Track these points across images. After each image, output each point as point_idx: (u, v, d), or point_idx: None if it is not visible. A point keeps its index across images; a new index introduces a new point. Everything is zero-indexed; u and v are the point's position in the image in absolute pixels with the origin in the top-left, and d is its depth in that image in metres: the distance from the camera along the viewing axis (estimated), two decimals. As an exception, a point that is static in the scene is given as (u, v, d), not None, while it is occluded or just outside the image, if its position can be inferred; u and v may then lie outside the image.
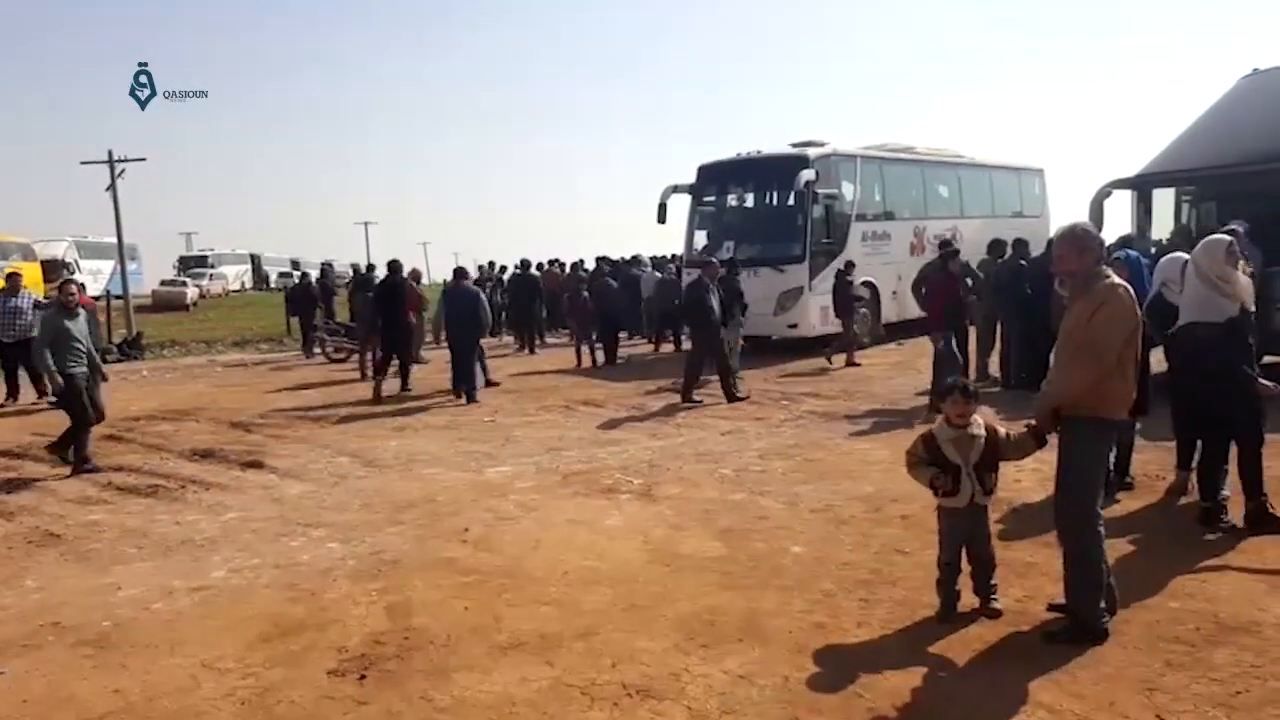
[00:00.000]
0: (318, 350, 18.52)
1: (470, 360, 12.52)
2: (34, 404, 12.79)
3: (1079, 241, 4.15)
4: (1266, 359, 9.28)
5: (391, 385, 13.17)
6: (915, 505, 6.23)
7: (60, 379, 8.38)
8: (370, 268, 20.05)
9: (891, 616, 4.54)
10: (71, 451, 8.59)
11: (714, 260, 12.41)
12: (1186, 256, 6.35)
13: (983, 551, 4.52)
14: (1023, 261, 11.33)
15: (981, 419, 4.47)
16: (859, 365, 14.20)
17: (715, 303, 11.52)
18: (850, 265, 15.10)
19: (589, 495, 7.13)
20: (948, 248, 11.75)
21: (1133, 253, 7.33)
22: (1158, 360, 6.86)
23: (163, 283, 40.12)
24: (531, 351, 18.66)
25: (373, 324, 15.12)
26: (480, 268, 22.72)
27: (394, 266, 14.06)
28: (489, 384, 13.21)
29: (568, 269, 22.87)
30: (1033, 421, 4.31)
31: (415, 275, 17.97)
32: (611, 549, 5.79)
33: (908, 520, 6.05)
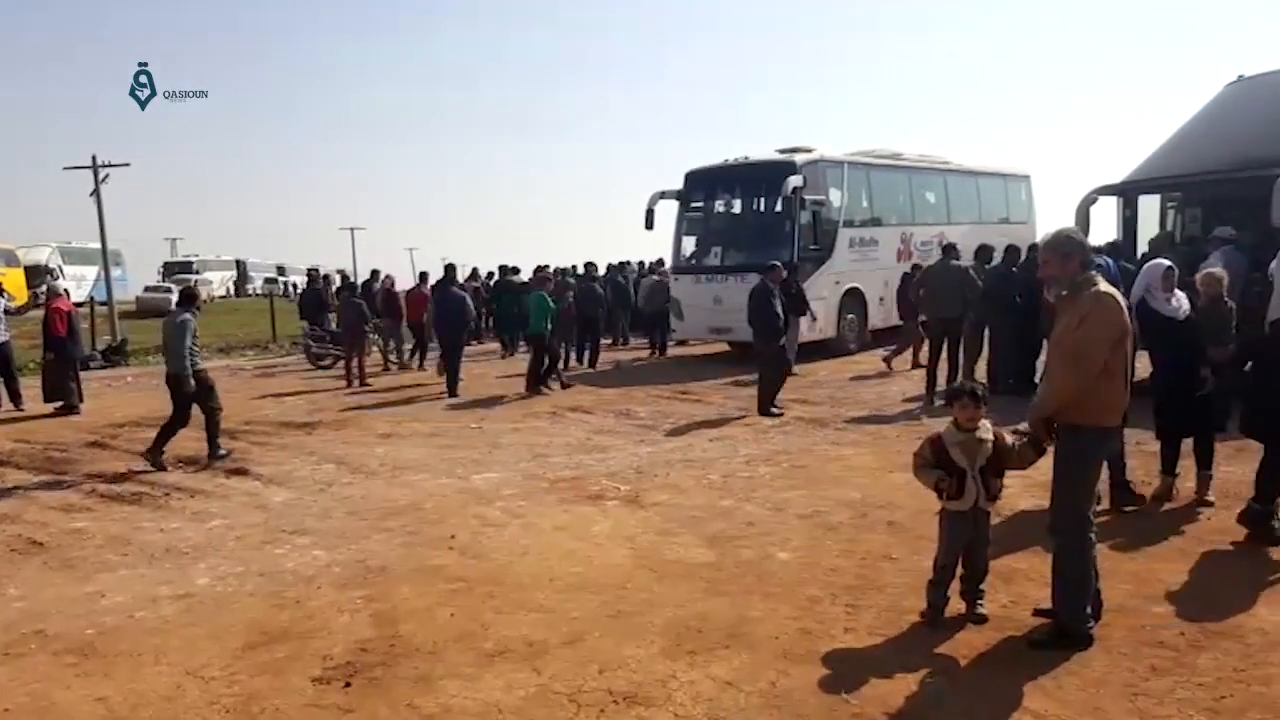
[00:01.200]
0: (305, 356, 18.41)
1: (457, 357, 13.58)
2: (15, 411, 12.70)
3: (1061, 248, 4.19)
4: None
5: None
6: (902, 511, 6.25)
7: (193, 381, 8.97)
8: (374, 274, 20.06)
9: (878, 622, 4.54)
10: (215, 447, 9.16)
11: (778, 264, 12.12)
12: (1168, 263, 6.40)
13: (979, 557, 4.53)
14: (1013, 269, 11.37)
15: (990, 424, 4.50)
16: (924, 366, 14.08)
17: (780, 308, 11.29)
18: (917, 268, 15.07)
19: (576, 502, 7.12)
20: (952, 251, 11.78)
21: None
22: (1142, 365, 6.92)
23: (147, 289, 39.92)
24: (514, 354, 18.78)
25: (358, 329, 15.16)
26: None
27: (449, 269, 15.54)
28: (564, 386, 13.49)
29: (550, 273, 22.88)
30: (1023, 427, 4.34)
31: (389, 282, 18.48)
32: (599, 555, 5.78)
33: (894, 526, 6.06)
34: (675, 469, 8.09)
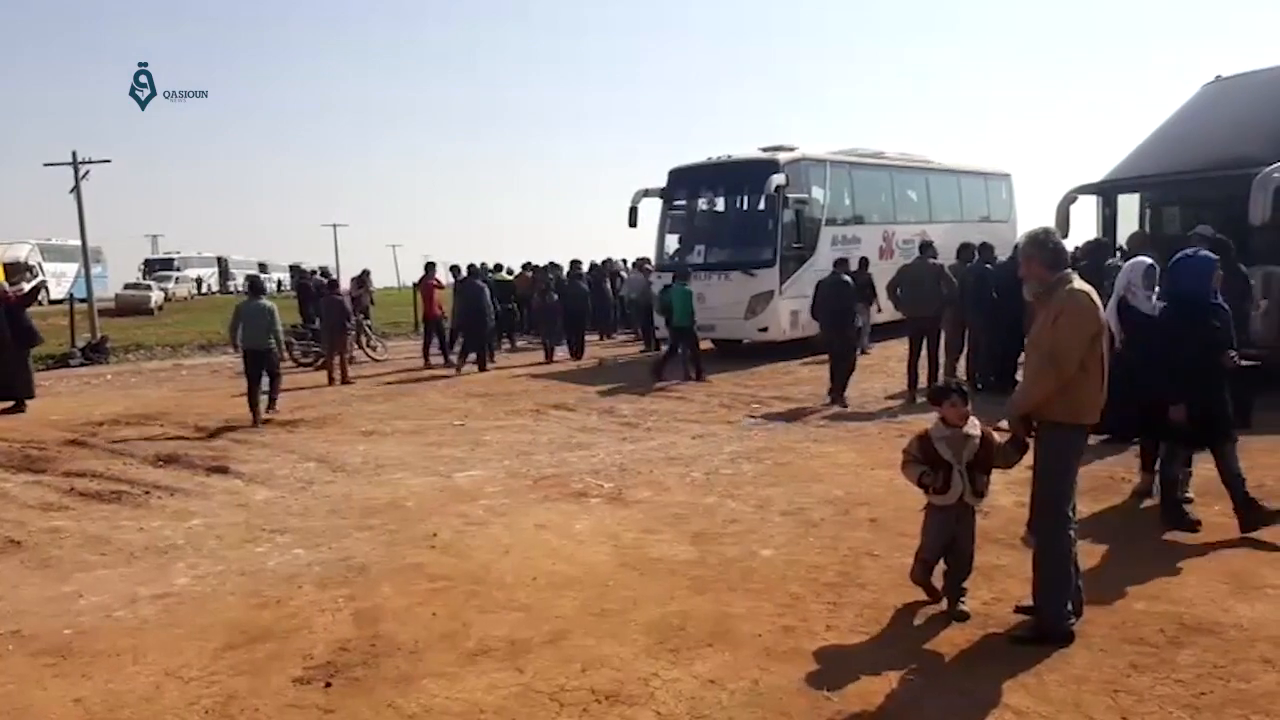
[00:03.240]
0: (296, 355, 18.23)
1: (480, 340, 15.83)
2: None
3: (1024, 250, 4.37)
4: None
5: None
6: (883, 508, 6.27)
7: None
8: (366, 272, 20.16)
9: (860, 619, 4.55)
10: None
11: (846, 258, 12.23)
12: (1150, 261, 6.43)
13: (963, 553, 4.56)
14: (988, 266, 11.42)
15: (979, 421, 4.52)
16: None
17: (854, 296, 11.41)
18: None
19: (559, 500, 7.11)
20: (929, 249, 11.83)
21: None
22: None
23: (127, 286, 39.60)
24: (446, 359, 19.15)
25: (340, 327, 15.10)
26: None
27: (480, 267, 17.79)
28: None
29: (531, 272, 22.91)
30: (1005, 425, 4.37)
31: (363, 279, 18.66)
32: (581, 553, 5.77)
33: (876, 523, 6.07)
34: (658, 466, 8.08)
